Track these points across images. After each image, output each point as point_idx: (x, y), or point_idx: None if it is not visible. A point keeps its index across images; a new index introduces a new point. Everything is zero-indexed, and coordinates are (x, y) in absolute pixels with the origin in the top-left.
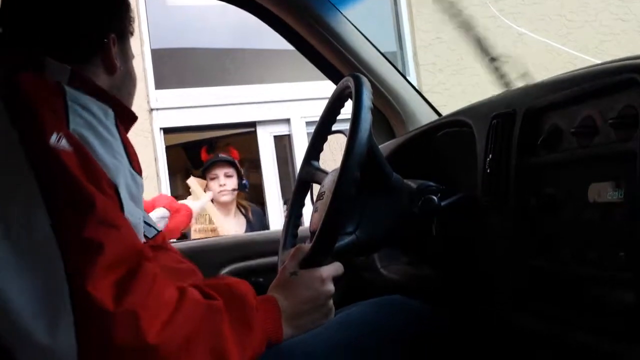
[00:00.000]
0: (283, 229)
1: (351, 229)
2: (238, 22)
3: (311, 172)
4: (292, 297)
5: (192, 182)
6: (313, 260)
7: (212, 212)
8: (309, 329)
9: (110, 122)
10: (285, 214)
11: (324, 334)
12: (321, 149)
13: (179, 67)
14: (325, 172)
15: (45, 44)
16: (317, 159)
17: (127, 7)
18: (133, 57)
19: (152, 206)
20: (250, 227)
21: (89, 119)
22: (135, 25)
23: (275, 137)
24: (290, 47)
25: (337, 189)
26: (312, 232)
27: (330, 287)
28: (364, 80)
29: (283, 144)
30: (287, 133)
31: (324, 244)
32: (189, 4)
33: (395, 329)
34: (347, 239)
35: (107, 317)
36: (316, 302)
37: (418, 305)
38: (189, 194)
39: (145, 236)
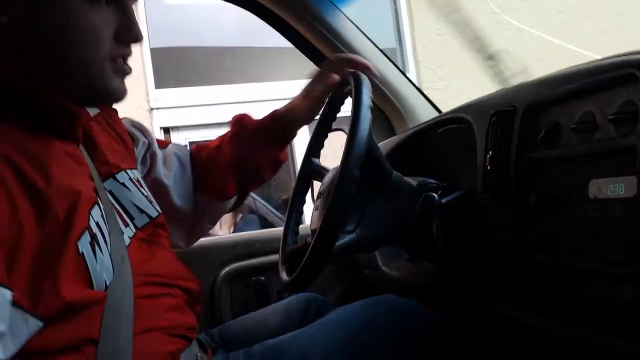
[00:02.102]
0: (284, 227)
1: (351, 227)
2: (238, 20)
3: (312, 169)
4: None
5: None
6: (313, 259)
7: None
8: None
9: None
10: (287, 211)
11: (319, 335)
12: (322, 146)
13: (179, 66)
14: (326, 169)
15: None
16: (318, 156)
17: None
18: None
19: None
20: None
21: None
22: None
23: None
24: (289, 44)
25: (337, 189)
26: (313, 231)
27: None
28: (364, 78)
29: None
30: None
31: (324, 243)
32: (187, 3)
33: (388, 327)
34: (348, 238)
35: None
36: None
37: (411, 304)
38: None
39: (134, 225)
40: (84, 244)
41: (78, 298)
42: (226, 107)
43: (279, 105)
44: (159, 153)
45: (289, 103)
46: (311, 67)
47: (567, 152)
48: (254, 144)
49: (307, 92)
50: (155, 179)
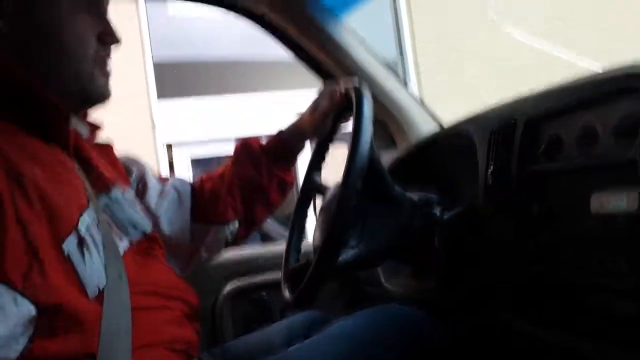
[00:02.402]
0: (286, 244)
1: (354, 242)
2: (241, 32)
3: (313, 185)
4: None
5: None
6: (316, 275)
7: None
8: None
9: None
10: (289, 228)
11: (323, 347)
12: (323, 161)
13: (182, 79)
14: (327, 187)
15: None
16: (319, 173)
17: None
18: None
19: None
20: None
21: None
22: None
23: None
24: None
25: (339, 201)
26: (315, 248)
27: None
28: (365, 91)
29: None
30: None
31: (327, 258)
32: (191, 15)
33: (393, 337)
34: (350, 253)
35: None
36: None
37: (415, 313)
38: None
39: (129, 240)
40: (70, 246)
41: (71, 301)
42: (231, 121)
43: (282, 116)
44: (152, 183)
45: (296, 120)
46: (314, 79)
47: (568, 165)
48: (259, 166)
49: (314, 107)
50: (145, 207)
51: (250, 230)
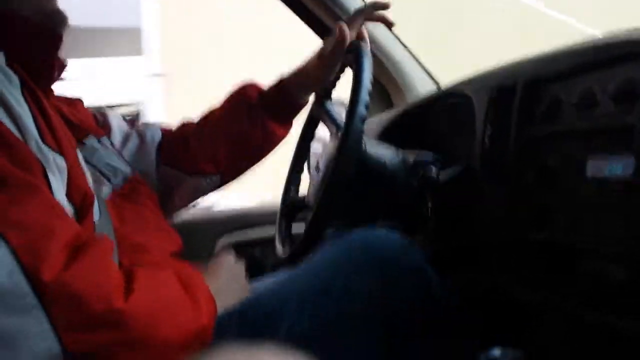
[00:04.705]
0: (287, 176)
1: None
2: None
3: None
4: (212, 277)
5: None
6: (312, 229)
7: None
8: (230, 304)
9: (17, 91)
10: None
11: (296, 279)
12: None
13: None
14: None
15: None
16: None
17: None
18: None
19: None
20: None
21: None
22: None
23: None
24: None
25: (341, 148)
26: (311, 205)
27: (238, 264)
28: (365, 47)
29: None
30: None
31: (327, 204)
32: None
33: (369, 263)
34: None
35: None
36: (230, 275)
37: (391, 236)
38: None
39: (111, 184)
40: None
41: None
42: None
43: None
44: (116, 126)
45: (301, 65)
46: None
47: (567, 129)
48: (254, 120)
49: (320, 52)
50: None
51: (230, 182)
